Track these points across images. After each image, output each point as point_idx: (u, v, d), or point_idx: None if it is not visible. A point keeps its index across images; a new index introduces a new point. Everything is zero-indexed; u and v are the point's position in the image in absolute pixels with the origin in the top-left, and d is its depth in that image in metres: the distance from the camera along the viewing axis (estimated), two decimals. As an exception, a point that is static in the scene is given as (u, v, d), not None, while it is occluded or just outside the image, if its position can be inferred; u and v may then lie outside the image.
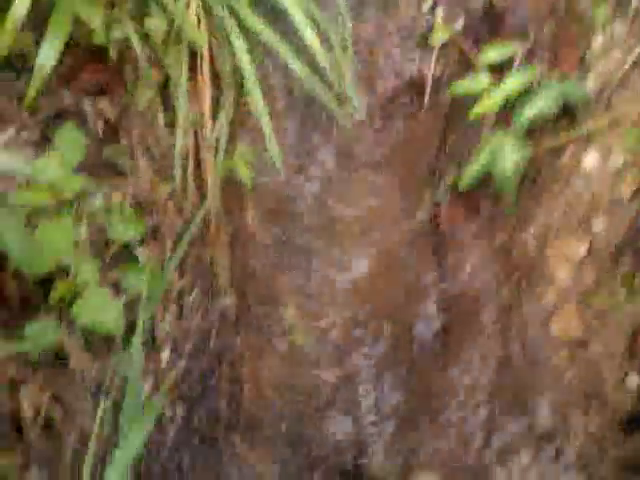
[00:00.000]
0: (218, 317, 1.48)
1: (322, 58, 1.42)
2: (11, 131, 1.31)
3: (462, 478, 1.33)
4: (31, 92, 1.18)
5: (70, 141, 1.14)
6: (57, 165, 1.13)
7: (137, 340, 0.76)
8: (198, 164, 1.45)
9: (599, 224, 1.31)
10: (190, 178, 1.44)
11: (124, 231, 1.18)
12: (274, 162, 1.45)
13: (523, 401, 1.35)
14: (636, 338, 1.24)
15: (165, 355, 1.43)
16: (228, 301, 1.48)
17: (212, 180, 1.44)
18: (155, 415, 0.66)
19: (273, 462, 1.36)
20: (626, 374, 1.26)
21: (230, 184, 1.49)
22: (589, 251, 1.32)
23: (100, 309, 1.12)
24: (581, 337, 1.31)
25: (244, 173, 1.45)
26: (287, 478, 1.35)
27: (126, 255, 1.33)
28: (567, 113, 1.36)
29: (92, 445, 0.69)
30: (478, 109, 1.31)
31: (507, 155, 1.31)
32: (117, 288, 1.30)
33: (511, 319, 1.40)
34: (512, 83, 1.29)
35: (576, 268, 1.33)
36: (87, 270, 1.20)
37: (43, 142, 1.29)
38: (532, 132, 1.38)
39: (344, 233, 1.52)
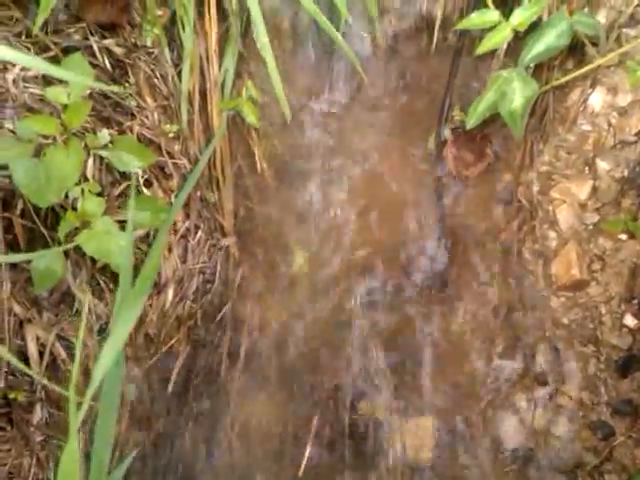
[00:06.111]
0: (222, 258, 1.49)
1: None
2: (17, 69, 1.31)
3: (458, 422, 1.36)
4: (39, 20, 1.17)
5: (78, 70, 1.14)
6: (65, 93, 1.13)
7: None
8: (205, 104, 1.45)
9: (604, 165, 1.32)
10: (196, 118, 1.44)
11: (130, 161, 1.18)
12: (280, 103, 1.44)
13: (520, 345, 1.37)
14: (635, 279, 1.25)
15: (169, 295, 1.45)
16: (232, 243, 1.50)
17: (218, 120, 1.44)
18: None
19: (271, 399, 1.39)
20: (623, 316, 1.28)
21: (237, 124, 1.50)
22: (592, 192, 1.33)
23: (106, 237, 1.13)
24: (581, 280, 1.32)
25: (250, 113, 1.45)
26: (283, 415, 1.38)
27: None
28: (575, 53, 1.36)
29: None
30: (486, 44, 1.30)
31: (516, 92, 1.30)
32: (123, 227, 1.31)
33: (512, 262, 1.41)
34: (520, 16, 1.28)
35: (579, 210, 1.34)
36: (94, 203, 1.21)
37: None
38: (540, 70, 1.37)
39: (350, 173, 1.52)
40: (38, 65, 0.83)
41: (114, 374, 0.74)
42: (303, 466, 1.32)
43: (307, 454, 1.32)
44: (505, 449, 1.30)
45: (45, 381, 1.23)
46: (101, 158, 1.31)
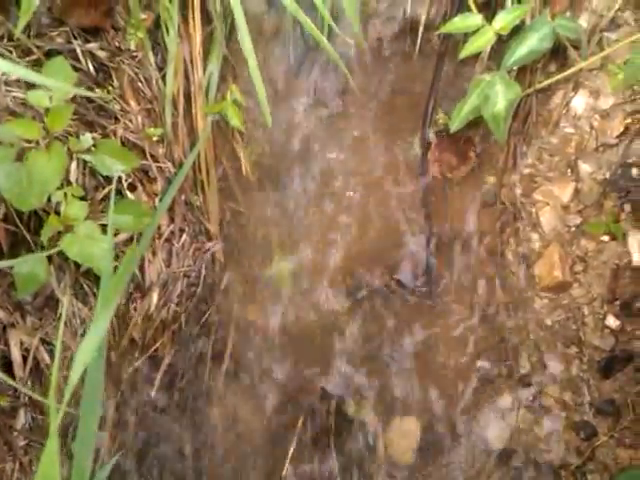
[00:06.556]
0: (207, 262, 1.49)
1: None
2: None
3: (442, 423, 1.36)
4: (20, 23, 1.17)
5: (60, 74, 1.14)
6: (47, 97, 1.13)
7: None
8: (189, 107, 1.45)
9: (586, 167, 1.33)
10: (181, 121, 1.44)
11: (113, 165, 1.18)
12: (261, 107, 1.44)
13: (504, 346, 1.38)
14: (617, 280, 1.27)
15: (154, 299, 1.44)
16: (217, 246, 1.50)
17: (203, 123, 1.44)
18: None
19: (255, 401, 1.39)
20: (605, 318, 1.29)
21: (221, 127, 1.49)
22: (575, 195, 1.34)
23: (89, 242, 1.13)
24: (563, 281, 1.33)
25: (235, 116, 1.45)
26: (268, 417, 1.38)
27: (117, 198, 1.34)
28: (558, 56, 1.37)
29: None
30: (469, 47, 1.30)
31: (498, 96, 1.31)
32: (107, 231, 1.31)
33: (495, 264, 1.42)
34: (503, 20, 1.29)
35: (561, 212, 1.35)
36: (77, 207, 1.21)
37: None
38: (523, 73, 1.39)
39: (335, 175, 1.52)
40: (17, 71, 0.83)
41: (95, 375, 0.74)
42: (286, 467, 1.32)
43: (290, 455, 1.32)
44: (489, 450, 1.31)
45: (27, 390, 1.22)
46: (84, 162, 1.31)
